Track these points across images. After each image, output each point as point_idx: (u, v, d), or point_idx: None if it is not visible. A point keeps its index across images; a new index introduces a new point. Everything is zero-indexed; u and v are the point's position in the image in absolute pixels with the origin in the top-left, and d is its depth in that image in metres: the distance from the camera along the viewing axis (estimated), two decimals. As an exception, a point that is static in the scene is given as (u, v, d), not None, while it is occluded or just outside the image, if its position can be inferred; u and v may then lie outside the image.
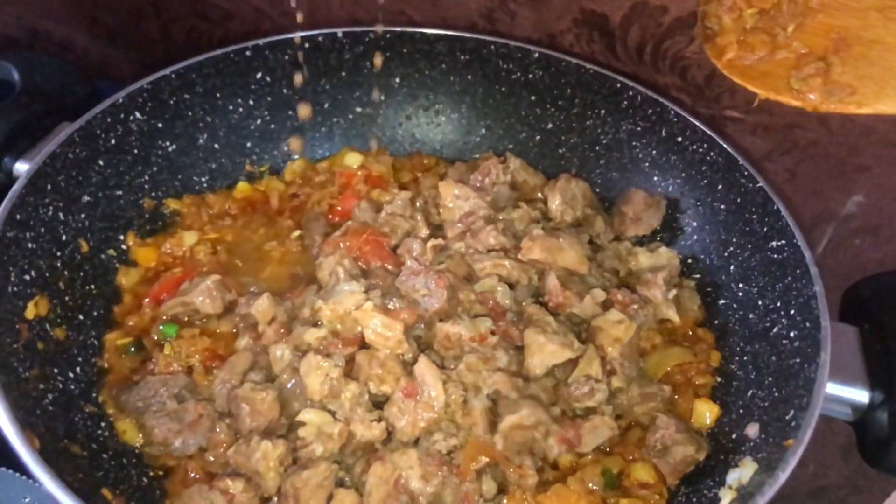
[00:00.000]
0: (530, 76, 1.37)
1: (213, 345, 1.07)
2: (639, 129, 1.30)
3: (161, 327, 1.08)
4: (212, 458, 0.96)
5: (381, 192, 1.30)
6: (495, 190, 1.26)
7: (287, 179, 1.36)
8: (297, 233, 1.25)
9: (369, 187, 1.31)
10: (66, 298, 1.07)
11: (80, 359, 1.04)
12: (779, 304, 1.05)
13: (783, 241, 1.07)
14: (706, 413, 1.03)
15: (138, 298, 1.14)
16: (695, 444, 0.98)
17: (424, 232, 1.19)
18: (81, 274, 1.11)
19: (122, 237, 1.19)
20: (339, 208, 1.28)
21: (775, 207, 1.09)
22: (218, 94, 1.31)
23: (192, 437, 0.97)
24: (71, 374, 1.01)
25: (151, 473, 0.97)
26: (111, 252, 1.17)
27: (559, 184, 1.26)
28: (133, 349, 1.07)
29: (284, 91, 1.37)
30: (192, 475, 0.96)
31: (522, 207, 1.22)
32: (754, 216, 1.13)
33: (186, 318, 1.11)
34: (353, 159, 1.36)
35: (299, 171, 1.37)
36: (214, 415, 0.99)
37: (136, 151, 1.22)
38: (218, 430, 0.97)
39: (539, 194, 1.30)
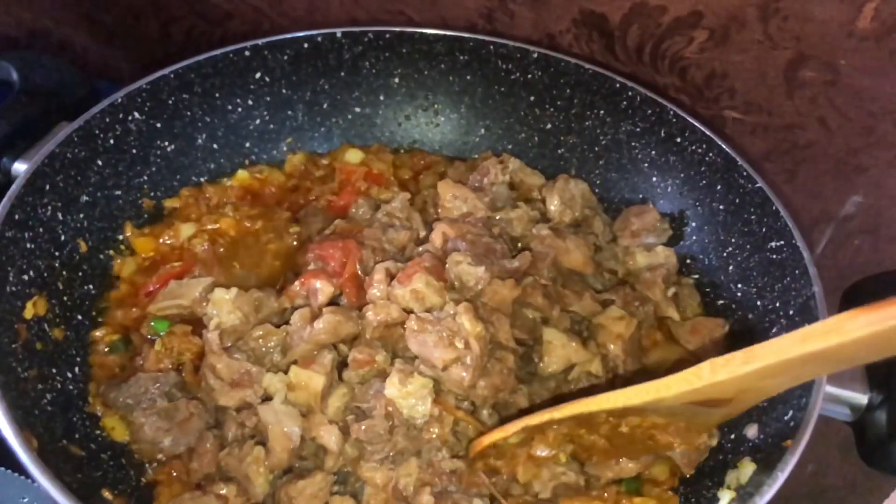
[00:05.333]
0: (529, 76, 1.37)
1: (203, 347, 1.03)
2: (638, 129, 1.30)
3: (152, 323, 1.07)
4: (195, 466, 0.94)
5: (381, 190, 1.29)
6: (494, 190, 1.26)
7: (287, 171, 1.36)
8: (295, 228, 1.24)
9: (369, 184, 1.31)
10: (65, 298, 1.07)
11: (78, 359, 1.04)
12: (778, 305, 1.05)
13: (782, 242, 1.07)
14: None
15: (134, 288, 1.14)
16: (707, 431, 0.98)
17: (422, 233, 1.19)
18: (80, 274, 1.11)
19: (120, 237, 1.19)
20: (338, 204, 1.28)
21: (774, 208, 1.09)
22: (217, 94, 1.31)
23: (182, 436, 0.96)
24: (69, 375, 1.01)
25: (144, 479, 0.96)
26: (110, 252, 1.17)
27: (557, 184, 1.26)
28: (121, 346, 1.07)
29: (283, 91, 1.37)
30: (174, 474, 0.95)
31: (521, 207, 1.22)
32: (753, 216, 1.13)
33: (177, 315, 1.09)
34: (353, 156, 1.36)
35: (299, 164, 1.37)
36: (206, 415, 0.98)
37: (134, 151, 1.22)
38: (204, 439, 0.95)
39: (537, 195, 1.30)
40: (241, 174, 1.33)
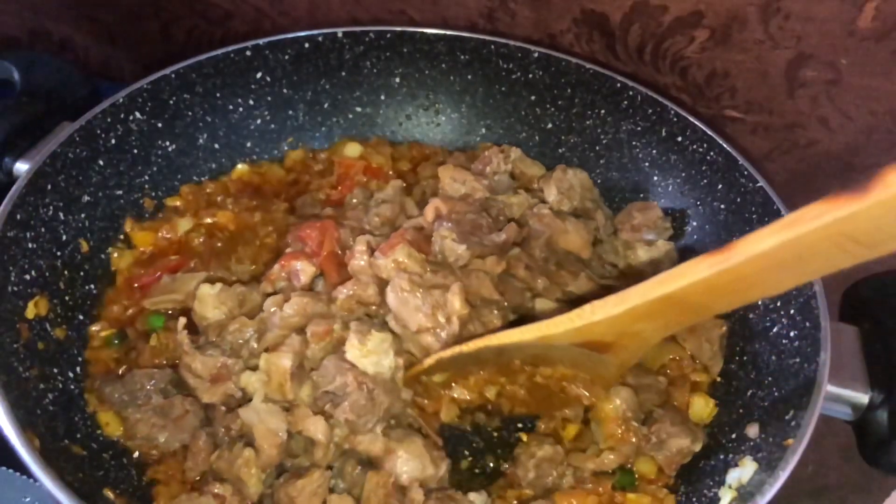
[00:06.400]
0: (530, 76, 1.37)
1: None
2: (639, 128, 1.30)
3: (149, 318, 1.07)
4: (190, 465, 0.94)
5: (380, 184, 1.29)
6: (496, 178, 1.26)
7: (286, 166, 1.37)
8: (292, 219, 1.24)
9: (368, 178, 1.31)
10: (66, 298, 1.07)
11: (80, 358, 1.04)
12: (779, 304, 1.05)
13: (783, 241, 1.07)
14: (703, 407, 1.04)
15: (130, 280, 1.14)
16: (690, 436, 0.98)
17: (415, 212, 1.19)
18: (81, 274, 1.11)
19: (122, 237, 1.19)
20: (337, 197, 1.28)
21: (775, 207, 1.09)
22: (218, 94, 1.31)
23: (177, 433, 0.96)
24: (71, 374, 1.01)
25: (145, 478, 0.96)
26: (111, 252, 1.17)
27: (555, 174, 1.26)
28: (116, 341, 1.06)
29: (284, 91, 1.37)
30: (171, 473, 0.95)
31: (521, 194, 1.22)
32: (754, 216, 1.13)
33: (171, 312, 1.10)
34: (352, 150, 1.36)
35: (299, 158, 1.37)
36: (201, 412, 0.98)
37: (136, 151, 1.22)
38: (198, 437, 0.95)
39: (538, 185, 1.30)
40: (241, 168, 1.33)
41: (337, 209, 1.23)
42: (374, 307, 1.04)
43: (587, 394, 1.02)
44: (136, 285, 1.13)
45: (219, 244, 1.20)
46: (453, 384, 1.03)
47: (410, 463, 0.93)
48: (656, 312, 0.81)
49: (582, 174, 1.29)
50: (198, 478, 0.94)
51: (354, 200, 1.23)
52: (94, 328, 1.08)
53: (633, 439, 0.99)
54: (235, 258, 1.19)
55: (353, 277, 1.05)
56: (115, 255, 1.16)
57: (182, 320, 1.01)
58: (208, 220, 1.22)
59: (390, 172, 1.33)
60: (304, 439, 0.95)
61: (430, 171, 1.33)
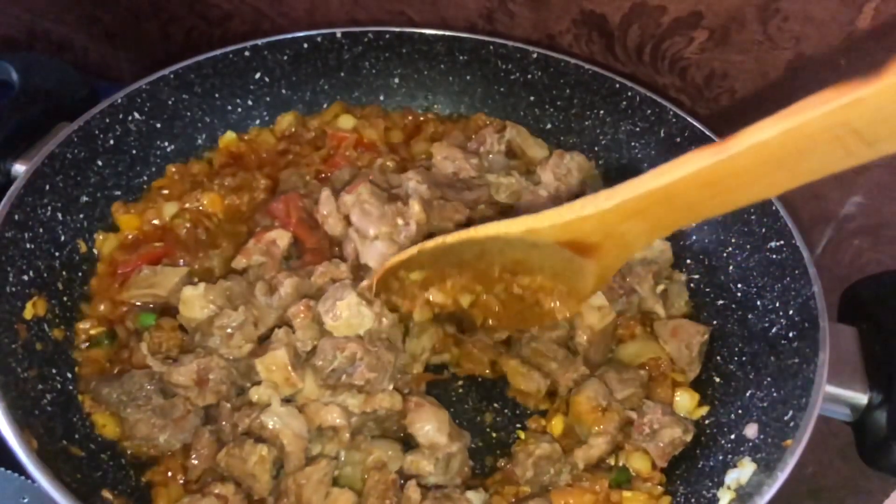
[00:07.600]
0: (529, 76, 1.37)
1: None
2: (638, 129, 1.30)
3: (139, 316, 1.06)
4: (194, 463, 0.93)
5: (372, 159, 1.28)
6: (490, 158, 1.27)
7: (277, 132, 1.35)
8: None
9: (359, 152, 1.29)
10: (65, 299, 1.07)
11: (78, 359, 1.04)
12: (777, 305, 1.05)
13: (782, 242, 1.07)
14: (688, 400, 1.04)
15: (113, 267, 1.12)
16: (681, 426, 0.99)
17: (397, 183, 1.20)
18: (80, 274, 1.11)
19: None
20: (327, 174, 1.27)
21: (774, 208, 1.09)
22: (216, 95, 1.31)
23: (178, 433, 0.95)
24: (69, 375, 1.01)
25: (144, 479, 0.95)
26: (96, 235, 1.16)
27: (551, 160, 1.25)
28: (106, 340, 1.05)
29: (283, 91, 1.37)
30: (170, 474, 0.94)
31: (514, 176, 1.22)
32: (753, 216, 1.13)
33: (153, 306, 1.09)
34: (345, 121, 1.35)
35: (290, 125, 1.36)
36: (202, 411, 0.98)
37: (134, 152, 1.22)
38: (201, 435, 0.95)
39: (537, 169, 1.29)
40: (229, 136, 1.32)
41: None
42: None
43: (561, 307, 0.99)
44: (119, 272, 1.11)
45: (204, 238, 1.18)
46: (430, 287, 1.02)
47: (433, 424, 0.96)
48: (646, 210, 0.78)
49: (580, 157, 1.28)
50: (196, 478, 0.93)
51: (343, 178, 1.23)
52: (82, 326, 1.06)
53: (616, 417, 0.99)
54: (221, 249, 1.16)
55: (324, 226, 1.10)
56: (100, 237, 1.15)
57: (143, 345, 1.00)
58: (193, 205, 1.20)
59: (382, 147, 1.32)
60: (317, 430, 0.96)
61: (423, 148, 1.33)
